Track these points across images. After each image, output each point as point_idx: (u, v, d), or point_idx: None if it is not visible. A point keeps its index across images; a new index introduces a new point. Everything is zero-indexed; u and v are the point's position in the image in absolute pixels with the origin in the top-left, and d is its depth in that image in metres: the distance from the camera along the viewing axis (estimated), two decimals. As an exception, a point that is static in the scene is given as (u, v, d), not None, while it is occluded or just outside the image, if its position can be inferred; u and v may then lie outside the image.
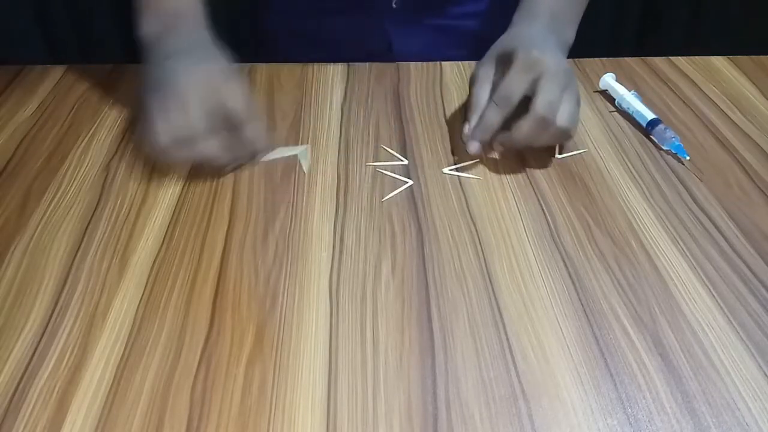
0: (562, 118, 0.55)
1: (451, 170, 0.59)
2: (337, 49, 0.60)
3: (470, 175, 0.58)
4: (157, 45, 0.59)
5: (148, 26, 0.61)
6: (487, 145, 0.59)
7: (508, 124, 0.57)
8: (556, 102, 0.55)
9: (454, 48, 0.80)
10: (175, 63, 0.55)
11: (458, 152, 0.61)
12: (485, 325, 0.44)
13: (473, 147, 0.58)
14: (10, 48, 1.24)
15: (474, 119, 0.59)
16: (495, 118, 0.57)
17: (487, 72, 0.61)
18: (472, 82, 0.63)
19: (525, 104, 0.56)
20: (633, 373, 0.41)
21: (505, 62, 0.58)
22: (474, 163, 0.59)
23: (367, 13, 0.78)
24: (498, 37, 0.64)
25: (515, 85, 0.56)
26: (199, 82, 0.54)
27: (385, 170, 0.58)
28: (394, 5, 0.77)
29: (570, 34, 0.66)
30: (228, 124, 0.55)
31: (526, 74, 0.56)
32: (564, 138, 0.58)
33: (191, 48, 0.58)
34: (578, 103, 0.58)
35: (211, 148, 0.54)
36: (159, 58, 0.57)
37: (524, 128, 0.55)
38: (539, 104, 0.54)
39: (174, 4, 0.61)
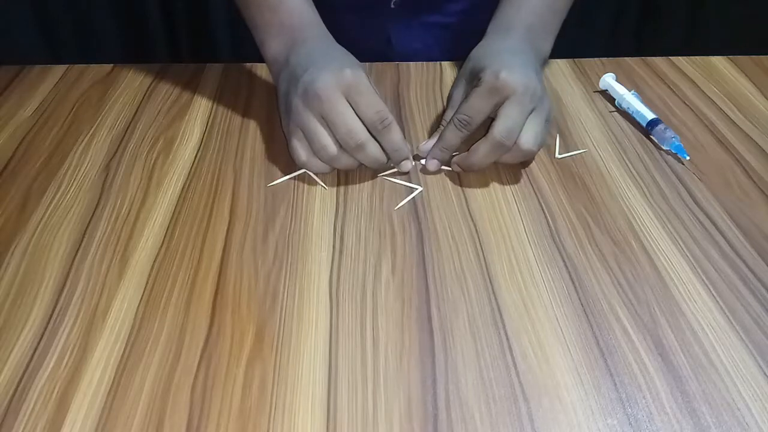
0: (526, 141, 0.54)
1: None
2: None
3: (448, 168, 0.59)
4: (290, 60, 0.59)
5: (277, 46, 0.61)
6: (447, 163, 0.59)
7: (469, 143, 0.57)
8: (517, 127, 0.54)
9: (454, 44, 0.80)
10: (310, 76, 0.55)
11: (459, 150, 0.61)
12: (485, 325, 0.44)
13: (432, 165, 0.58)
14: (10, 48, 1.24)
15: (435, 138, 0.59)
16: (454, 139, 0.57)
17: (459, 96, 0.61)
18: (447, 102, 0.62)
19: (488, 123, 0.55)
20: (633, 373, 0.41)
21: (473, 81, 0.58)
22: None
23: (366, 10, 0.78)
24: None
25: (476, 108, 0.56)
26: (334, 97, 0.53)
27: (394, 178, 0.58)
28: (393, 5, 0.77)
29: (547, 47, 0.66)
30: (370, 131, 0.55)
31: (488, 98, 0.55)
32: (527, 158, 0.57)
33: (324, 57, 0.57)
34: (548, 122, 0.57)
35: (353, 162, 0.56)
36: (295, 73, 0.57)
37: (480, 151, 0.55)
38: (497, 130, 0.54)
39: (295, 19, 0.61)
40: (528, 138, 0.54)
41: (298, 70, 0.57)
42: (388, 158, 0.57)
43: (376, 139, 0.56)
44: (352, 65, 0.55)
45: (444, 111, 0.65)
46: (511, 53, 0.60)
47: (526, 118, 0.55)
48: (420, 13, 0.79)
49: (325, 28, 0.63)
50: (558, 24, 0.66)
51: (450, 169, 0.59)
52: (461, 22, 0.81)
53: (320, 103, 0.53)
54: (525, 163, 0.59)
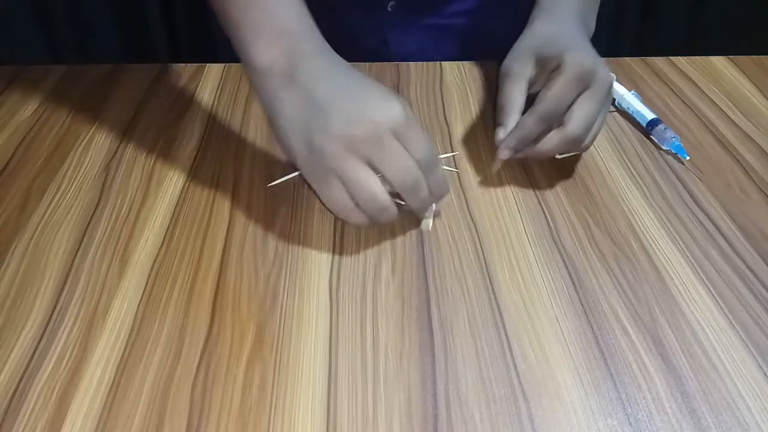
0: (590, 137, 0.53)
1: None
2: (333, 45, 0.59)
3: (448, 168, 0.58)
4: (297, 78, 0.49)
5: (271, 52, 0.51)
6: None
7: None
8: (593, 122, 0.52)
9: (451, 45, 0.80)
10: (349, 110, 0.46)
11: (458, 150, 0.61)
12: (485, 325, 0.44)
13: (505, 154, 0.54)
14: (10, 48, 1.24)
15: (509, 123, 0.54)
16: (535, 129, 0.53)
17: (522, 69, 0.56)
18: (505, 78, 0.57)
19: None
20: (633, 373, 0.41)
21: (545, 64, 0.54)
22: (454, 156, 0.60)
23: (362, 11, 0.78)
24: (492, 33, 0.63)
25: (564, 97, 0.52)
26: (386, 137, 0.46)
27: None
28: (389, 8, 0.77)
29: (593, 23, 0.62)
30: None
31: (575, 86, 0.51)
32: (582, 151, 0.56)
33: (350, 84, 0.49)
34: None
35: (396, 212, 0.49)
36: (315, 101, 0.48)
37: (553, 143, 0.52)
38: (576, 124, 0.51)
39: (294, 24, 0.52)
40: (592, 135, 0.52)
41: (322, 101, 0.47)
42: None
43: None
44: (397, 96, 0.48)
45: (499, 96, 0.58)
46: (578, 37, 0.56)
47: (599, 112, 0.52)
48: (417, 16, 0.79)
49: (318, 31, 0.54)
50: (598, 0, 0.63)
51: (452, 170, 0.59)
52: (458, 23, 0.81)
53: (370, 145, 0.45)
54: (526, 163, 0.59)
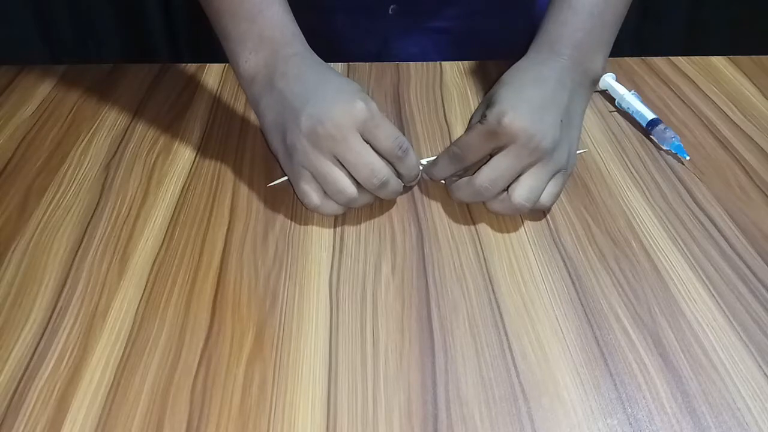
0: (517, 195, 0.49)
1: (428, 161, 0.59)
2: (334, 48, 0.59)
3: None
4: (276, 84, 0.53)
5: (255, 61, 0.55)
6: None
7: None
8: (503, 179, 0.50)
9: (452, 49, 0.80)
10: (316, 111, 0.49)
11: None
12: (485, 325, 0.44)
13: (422, 174, 0.56)
14: (10, 48, 1.24)
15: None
16: (444, 171, 0.54)
17: (475, 119, 0.56)
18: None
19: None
20: (633, 373, 0.41)
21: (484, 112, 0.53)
22: None
23: (363, 15, 0.78)
24: (492, 35, 0.63)
25: (470, 146, 0.51)
26: (350, 136, 0.48)
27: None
28: (390, 12, 0.77)
29: (597, 65, 0.59)
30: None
31: (485, 140, 0.50)
32: (517, 212, 0.52)
33: (321, 85, 0.52)
34: (557, 178, 0.51)
35: (371, 199, 0.52)
36: (290, 103, 0.51)
37: (462, 190, 0.52)
38: (479, 177, 0.50)
39: (276, 31, 0.55)
40: (520, 192, 0.49)
41: (295, 101, 0.51)
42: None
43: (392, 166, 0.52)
44: (360, 95, 0.50)
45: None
46: (538, 87, 0.53)
47: (521, 170, 0.50)
48: (418, 19, 0.79)
49: (306, 42, 0.57)
50: (610, 38, 0.60)
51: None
52: (459, 26, 0.80)
53: (334, 143, 0.48)
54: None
